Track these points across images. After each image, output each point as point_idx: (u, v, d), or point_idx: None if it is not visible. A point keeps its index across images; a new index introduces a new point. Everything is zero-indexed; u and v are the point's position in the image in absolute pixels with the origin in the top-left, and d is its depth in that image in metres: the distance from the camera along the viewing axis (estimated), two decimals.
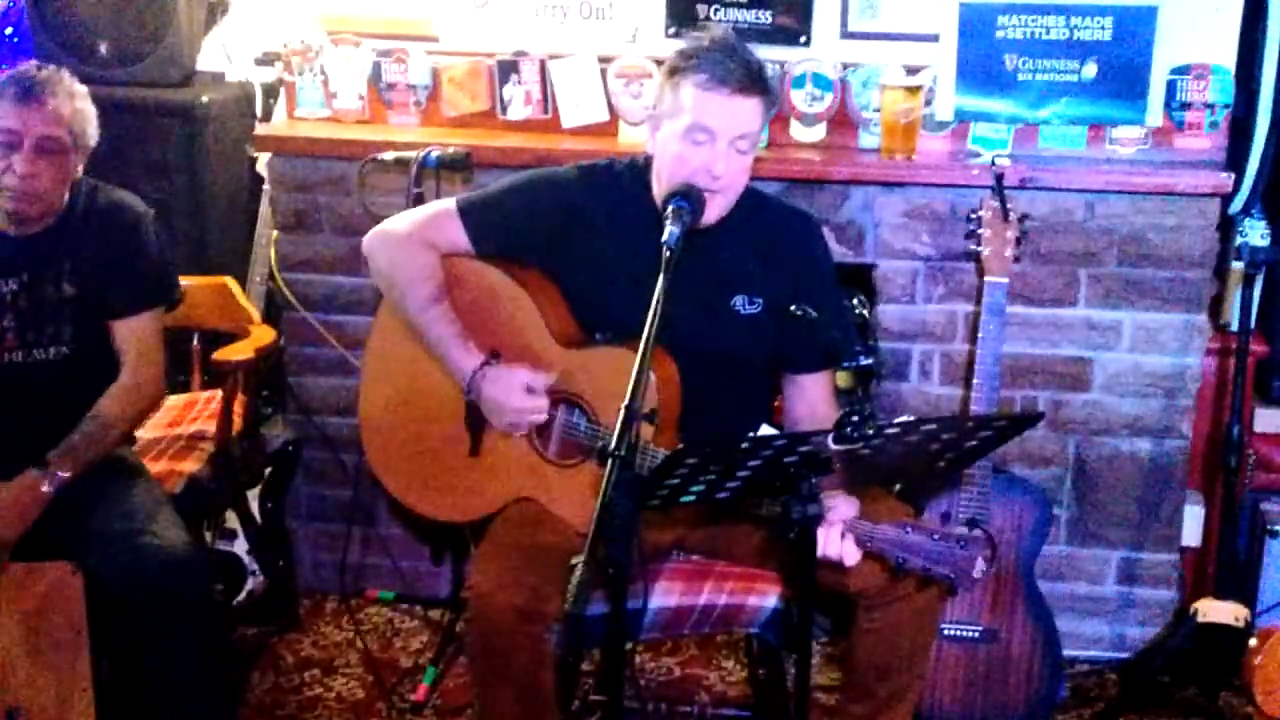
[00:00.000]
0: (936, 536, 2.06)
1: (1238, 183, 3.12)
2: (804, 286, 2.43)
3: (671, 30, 3.25)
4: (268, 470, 3.35)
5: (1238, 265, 3.19)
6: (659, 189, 2.34)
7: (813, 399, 2.50)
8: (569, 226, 2.46)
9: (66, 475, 2.54)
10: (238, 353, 3.03)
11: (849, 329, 2.89)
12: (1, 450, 2.61)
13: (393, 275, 2.52)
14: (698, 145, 2.28)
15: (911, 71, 3.16)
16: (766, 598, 2.42)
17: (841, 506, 2.14)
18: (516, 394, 2.40)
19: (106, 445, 2.66)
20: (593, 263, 2.45)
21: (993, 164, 2.99)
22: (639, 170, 2.45)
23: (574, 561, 1.76)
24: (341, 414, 3.41)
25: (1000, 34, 3.13)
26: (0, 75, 2.60)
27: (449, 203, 2.52)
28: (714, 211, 2.31)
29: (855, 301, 3.24)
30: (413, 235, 2.50)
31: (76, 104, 2.59)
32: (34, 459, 2.55)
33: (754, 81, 2.29)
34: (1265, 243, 3.20)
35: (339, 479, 3.48)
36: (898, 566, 2.10)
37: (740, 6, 3.23)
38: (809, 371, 2.51)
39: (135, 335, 2.71)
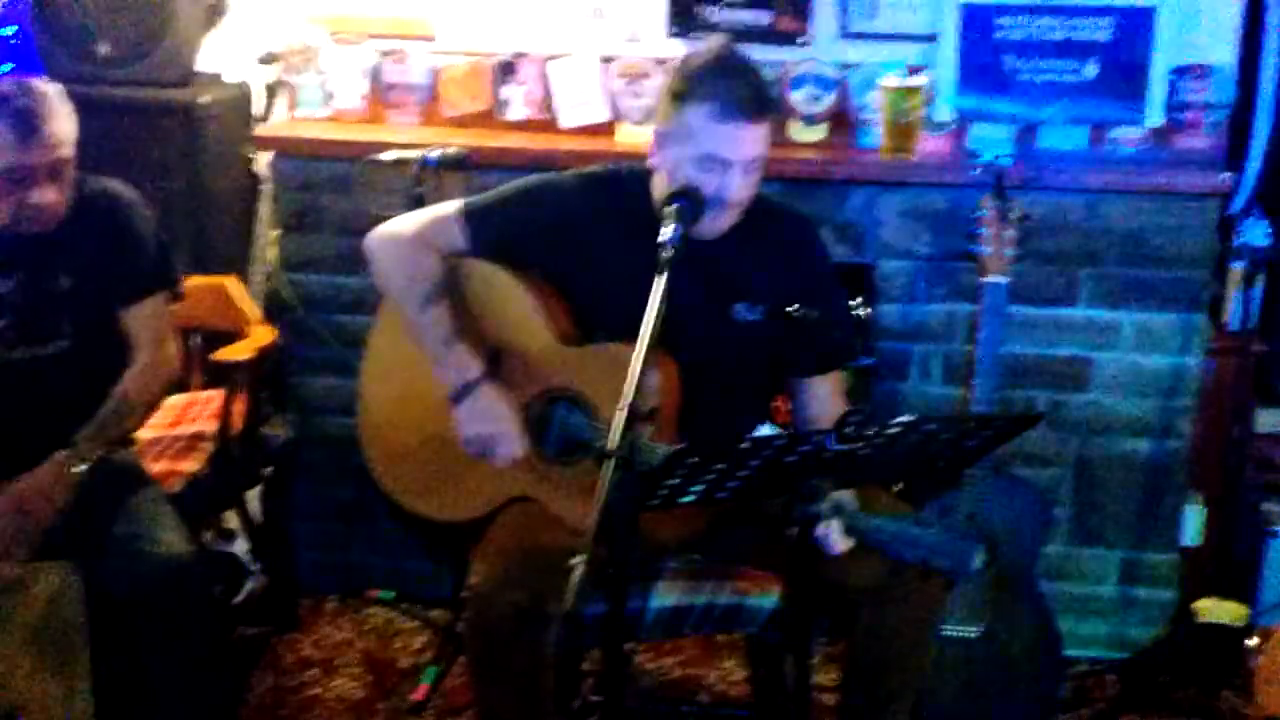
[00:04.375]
0: (934, 529, 2.06)
1: (1238, 183, 3.12)
2: (805, 290, 2.43)
3: (672, 30, 3.25)
4: (268, 470, 3.35)
5: (1238, 265, 3.19)
6: (660, 201, 2.33)
7: (823, 401, 2.49)
8: (570, 235, 2.45)
9: (98, 454, 2.55)
10: (238, 353, 3.03)
11: (850, 330, 2.88)
12: (9, 447, 2.60)
13: (392, 276, 2.51)
14: (711, 173, 2.27)
15: (911, 71, 3.17)
16: (766, 598, 2.41)
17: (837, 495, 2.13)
18: (493, 432, 2.39)
19: (130, 424, 2.68)
20: (594, 271, 2.44)
21: (993, 164, 2.99)
22: (641, 177, 2.44)
23: (574, 561, 1.76)
24: (341, 414, 3.40)
25: (1000, 34, 3.14)
26: None
27: (453, 207, 2.51)
28: (723, 225, 2.32)
29: (855, 301, 3.24)
30: (414, 237, 2.50)
31: (64, 111, 2.57)
32: (42, 456, 2.54)
33: (763, 106, 2.29)
34: (1265, 243, 3.20)
35: (339, 479, 3.47)
36: (896, 559, 2.09)
37: (740, 6, 3.23)
38: (815, 374, 2.50)
39: (144, 320, 2.72)
